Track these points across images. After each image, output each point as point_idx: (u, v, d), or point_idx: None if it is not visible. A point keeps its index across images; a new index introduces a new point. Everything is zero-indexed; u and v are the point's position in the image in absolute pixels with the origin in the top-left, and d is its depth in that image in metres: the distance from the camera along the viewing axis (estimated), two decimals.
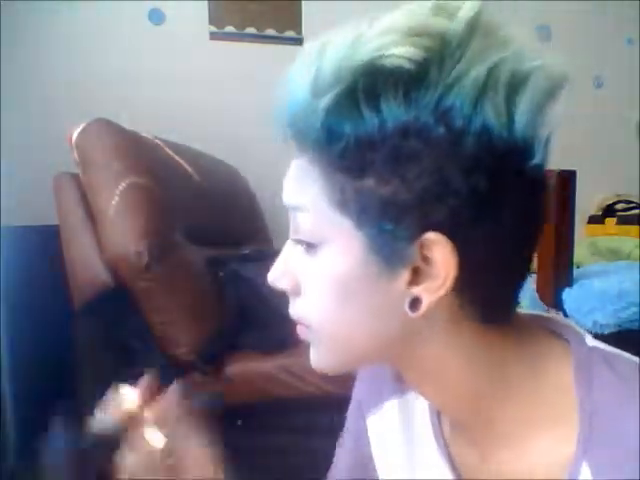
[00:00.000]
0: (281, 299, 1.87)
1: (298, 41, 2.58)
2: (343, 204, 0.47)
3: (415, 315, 0.48)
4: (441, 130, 0.43)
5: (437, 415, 0.61)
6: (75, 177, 1.76)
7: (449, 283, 0.46)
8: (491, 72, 0.44)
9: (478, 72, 0.44)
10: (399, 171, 0.44)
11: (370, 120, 0.44)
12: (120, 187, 1.69)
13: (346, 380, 1.59)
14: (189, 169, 2.04)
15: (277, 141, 0.51)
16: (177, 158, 2.01)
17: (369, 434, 0.69)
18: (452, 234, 0.45)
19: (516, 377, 0.52)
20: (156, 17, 2.44)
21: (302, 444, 1.59)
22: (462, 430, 0.58)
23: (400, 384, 0.64)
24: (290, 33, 2.57)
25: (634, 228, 2.43)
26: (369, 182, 0.45)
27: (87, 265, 1.67)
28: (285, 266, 0.54)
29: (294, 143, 0.50)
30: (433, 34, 0.44)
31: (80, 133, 1.76)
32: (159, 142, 1.97)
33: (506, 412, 0.52)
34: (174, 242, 1.77)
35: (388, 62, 0.43)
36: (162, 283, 1.66)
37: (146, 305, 1.65)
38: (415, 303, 0.48)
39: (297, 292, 0.53)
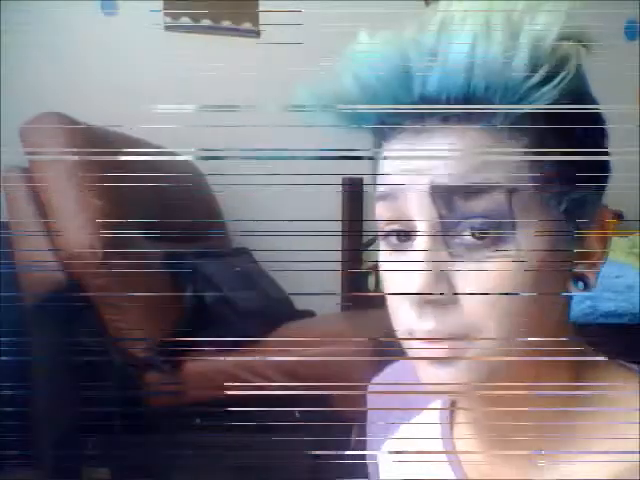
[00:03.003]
0: (240, 296, 1.85)
1: (255, 33, 2.55)
2: (545, 177, 0.44)
3: (583, 292, 0.48)
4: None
5: (449, 430, 0.58)
6: (25, 171, 1.72)
7: (606, 255, 0.47)
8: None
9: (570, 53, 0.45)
10: (595, 140, 0.46)
11: (569, 86, 0.43)
12: (72, 181, 1.66)
13: (309, 378, 1.59)
14: (144, 163, 2.00)
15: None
16: (131, 151, 1.97)
17: (379, 463, 0.65)
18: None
19: (582, 386, 0.50)
20: (109, 7, 2.39)
21: (262, 442, 1.58)
22: (496, 447, 0.53)
23: (410, 405, 0.62)
24: (247, 25, 2.55)
25: None
26: (576, 152, 0.44)
27: (39, 262, 1.63)
28: (432, 270, 0.44)
29: (469, 112, 0.43)
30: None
31: (30, 126, 1.72)
32: (112, 135, 1.93)
33: (562, 425, 0.50)
34: (129, 237, 1.74)
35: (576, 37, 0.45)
36: (117, 279, 1.63)
37: (101, 302, 1.62)
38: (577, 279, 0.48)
39: (454, 300, 0.44)
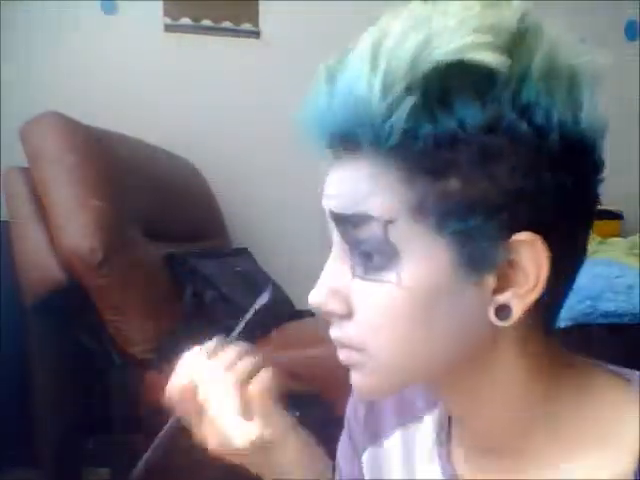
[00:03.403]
0: (240, 295, 1.85)
1: (255, 34, 2.55)
2: (421, 209, 0.43)
3: (503, 324, 0.45)
4: (524, 126, 0.42)
5: (445, 442, 0.58)
6: (25, 171, 1.72)
7: (541, 285, 0.44)
8: (552, 62, 0.43)
9: (542, 63, 0.43)
10: (487, 170, 0.42)
11: (452, 119, 0.42)
12: (73, 181, 1.66)
13: (308, 377, 1.59)
14: (144, 163, 2.00)
15: (307, 142, 0.47)
16: (131, 152, 1.97)
17: (364, 471, 0.64)
18: (540, 233, 0.43)
19: (566, 395, 0.49)
20: (109, 7, 2.39)
21: None
22: (486, 456, 0.53)
23: (400, 414, 0.61)
24: (247, 26, 2.54)
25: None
26: (453, 183, 0.42)
27: (39, 262, 1.63)
28: (331, 286, 0.48)
29: (346, 145, 0.45)
30: (501, 28, 0.43)
31: (30, 126, 1.72)
32: (113, 136, 1.93)
33: (547, 434, 0.49)
34: (129, 238, 1.74)
35: (468, 64, 0.41)
36: (117, 280, 1.63)
37: (101, 303, 1.62)
38: (501, 310, 0.45)
39: (349, 315, 0.48)
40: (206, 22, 2.50)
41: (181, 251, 1.89)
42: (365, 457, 0.64)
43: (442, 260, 0.44)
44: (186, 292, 1.78)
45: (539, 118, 0.42)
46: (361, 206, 0.45)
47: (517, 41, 0.43)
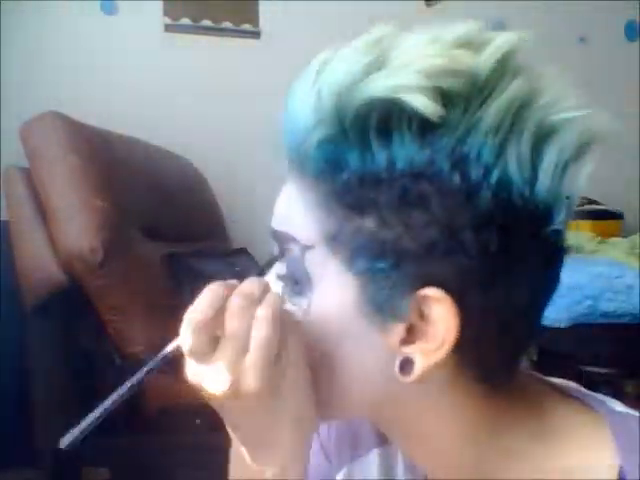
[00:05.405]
0: None
1: (255, 34, 2.55)
2: (335, 240, 0.43)
3: (406, 380, 0.43)
4: (456, 178, 0.39)
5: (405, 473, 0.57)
6: (25, 171, 1.72)
7: (448, 346, 0.41)
8: (517, 119, 0.40)
9: (502, 117, 0.40)
10: (404, 216, 0.40)
11: (378, 156, 0.40)
12: (73, 181, 1.66)
13: None
14: (144, 163, 2.00)
15: (282, 160, 0.48)
16: (131, 152, 1.97)
17: None
18: (454, 293, 0.41)
19: (526, 442, 0.47)
20: (109, 7, 2.39)
21: None
22: None
23: (381, 434, 0.58)
24: (247, 26, 2.54)
25: (586, 223, 2.48)
26: (369, 222, 0.41)
27: (39, 262, 1.63)
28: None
29: (291, 167, 0.46)
30: (457, 73, 0.40)
31: (30, 126, 1.72)
32: (113, 136, 1.93)
33: (504, 472, 0.47)
34: (129, 238, 1.74)
35: (405, 104, 0.39)
36: (117, 280, 1.63)
37: (101, 303, 1.62)
38: (406, 364, 0.43)
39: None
40: (206, 22, 2.50)
41: (181, 251, 1.89)
42: (339, 477, 0.62)
43: (349, 298, 0.43)
44: (186, 292, 1.78)
45: (475, 172, 0.40)
46: (286, 225, 0.46)
47: (475, 88, 0.40)
